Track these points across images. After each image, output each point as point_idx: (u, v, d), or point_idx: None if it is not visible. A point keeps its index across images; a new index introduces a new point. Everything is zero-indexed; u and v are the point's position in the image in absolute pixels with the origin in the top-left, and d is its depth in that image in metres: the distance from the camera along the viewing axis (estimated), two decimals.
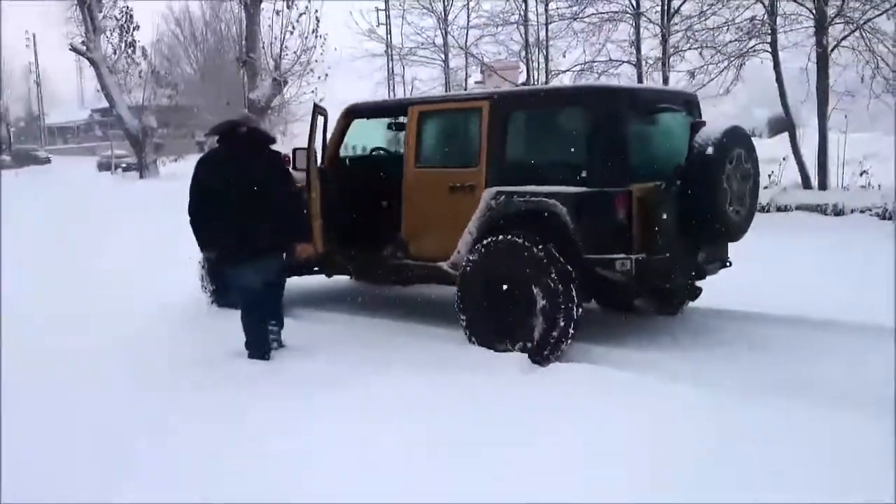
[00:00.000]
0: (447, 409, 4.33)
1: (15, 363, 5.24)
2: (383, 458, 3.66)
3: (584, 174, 5.16)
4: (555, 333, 5.12)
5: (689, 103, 5.91)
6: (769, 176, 13.11)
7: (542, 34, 16.97)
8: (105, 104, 32.64)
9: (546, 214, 5.21)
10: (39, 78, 48.47)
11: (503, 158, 5.54)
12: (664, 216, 5.08)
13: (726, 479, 3.38)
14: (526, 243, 5.19)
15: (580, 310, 5.18)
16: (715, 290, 6.37)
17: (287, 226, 5.43)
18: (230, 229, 5.24)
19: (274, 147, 5.61)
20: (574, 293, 5.09)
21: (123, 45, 28.72)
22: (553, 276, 5.07)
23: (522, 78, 19.64)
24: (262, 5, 22.54)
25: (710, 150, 5.14)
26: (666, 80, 14.68)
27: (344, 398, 4.51)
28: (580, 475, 3.45)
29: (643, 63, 15.03)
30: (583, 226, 5.10)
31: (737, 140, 5.32)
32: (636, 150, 5.25)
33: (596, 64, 15.62)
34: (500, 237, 5.33)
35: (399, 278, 6.63)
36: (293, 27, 22.47)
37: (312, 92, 24.04)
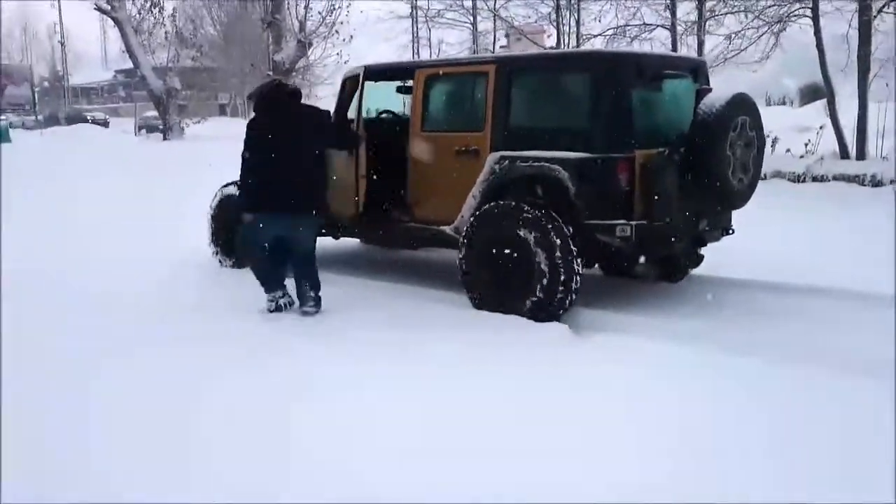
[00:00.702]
0: (455, 372, 4.29)
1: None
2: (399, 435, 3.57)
3: (587, 140, 5.19)
4: (557, 293, 5.15)
5: (696, 70, 5.89)
6: (805, 145, 12.85)
7: None
8: (129, 65, 32.55)
9: (549, 179, 5.25)
10: (64, 38, 48.36)
11: (508, 123, 5.55)
12: (666, 183, 5.10)
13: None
14: (525, 207, 5.23)
15: (581, 270, 5.23)
16: (734, 259, 6.36)
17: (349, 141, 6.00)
18: (275, 182, 5.34)
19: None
20: (574, 252, 5.13)
21: (148, 5, 28.57)
22: (552, 236, 5.11)
23: (551, 42, 19.30)
24: None
25: (713, 118, 5.14)
26: (701, 45, 14.36)
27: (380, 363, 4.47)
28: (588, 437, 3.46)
29: (678, 27, 14.69)
30: (584, 191, 5.13)
31: (741, 108, 5.31)
32: (640, 116, 5.26)
33: (629, 28, 15.29)
34: (501, 202, 5.36)
35: (406, 242, 6.74)
36: None
37: (337, 54, 23.85)
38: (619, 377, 4.14)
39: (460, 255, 5.58)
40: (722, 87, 5.51)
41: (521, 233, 5.22)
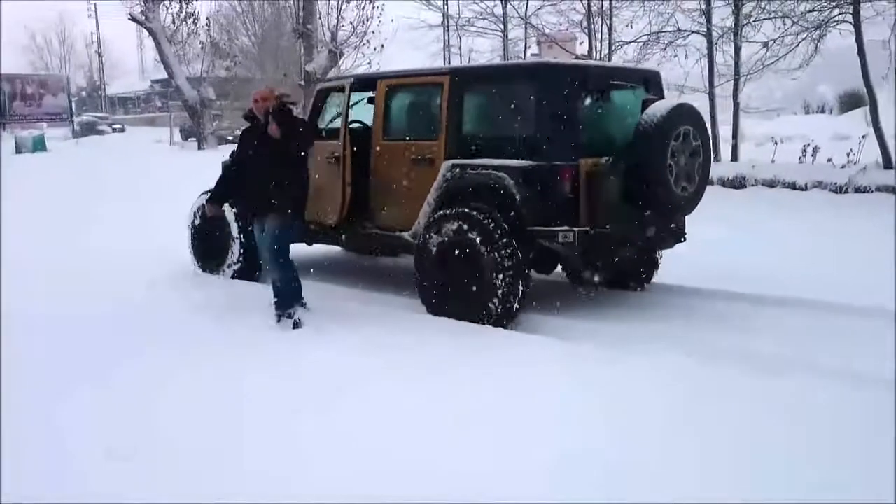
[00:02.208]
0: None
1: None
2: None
3: (532, 148, 5.35)
4: (503, 299, 5.26)
5: (647, 80, 6.05)
6: (847, 155, 12.45)
7: (606, 3, 16.29)
8: (165, 75, 32.88)
9: (496, 187, 5.40)
10: (101, 48, 49.14)
11: (461, 132, 5.76)
12: (610, 190, 5.25)
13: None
14: (471, 214, 5.38)
15: (528, 277, 5.41)
16: (751, 273, 6.43)
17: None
18: (305, 186, 5.55)
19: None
20: (519, 258, 5.27)
21: (182, 15, 28.81)
22: (497, 242, 5.24)
23: (583, 49, 19.02)
24: None
25: (653, 127, 5.30)
26: (738, 51, 14.04)
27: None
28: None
29: (714, 33, 14.36)
30: (528, 198, 5.28)
31: (683, 117, 5.45)
32: (586, 126, 5.46)
33: (662, 34, 14.97)
34: (451, 209, 5.51)
35: (373, 248, 6.99)
36: None
37: (367, 64, 23.76)
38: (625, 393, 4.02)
39: (415, 261, 5.74)
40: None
41: (468, 239, 5.38)
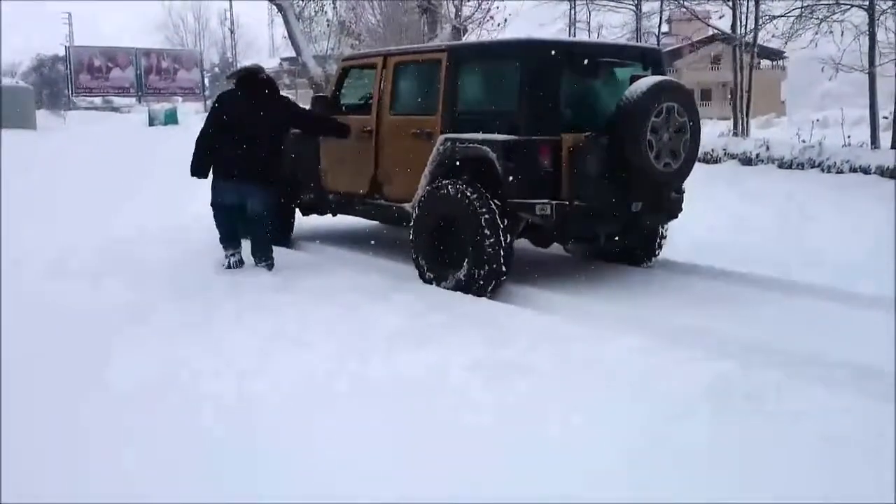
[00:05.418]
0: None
1: None
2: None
3: (515, 123, 5.50)
4: (484, 269, 5.47)
5: (645, 58, 6.12)
6: None
7: None
8: (293, 53, 33.43)
9: (482, 160, 5.55)
10: (233, 24, 50.66)
11: (455, 107, 5.95)
12: (589, 165, 5.36)
13: None
14: (457, 185, 5.59)
15: (511, 249, 5.55)
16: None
17: (325, 127, 6.72)
18: (231, 154, 6.06)
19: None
20: (501, 230, 5.43)
21: None
22: (479, 213, 5.44)
23: (724, 24, 17.76)
24: None
25: (632, 104, 5.35)
26: None
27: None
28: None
29: (876, 7, 12.96)
30: (509, 171, 5.42)
31: (665, 94, 5.45)
32: (570, 102, 5.63)
33: (818, 7, 13.65)
34: (439, 181, 5.75)
35: (379, 218, 7.20)
36: None
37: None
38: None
39: (411, 231, 5.99)
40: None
41: (452, 211, 5.62)
